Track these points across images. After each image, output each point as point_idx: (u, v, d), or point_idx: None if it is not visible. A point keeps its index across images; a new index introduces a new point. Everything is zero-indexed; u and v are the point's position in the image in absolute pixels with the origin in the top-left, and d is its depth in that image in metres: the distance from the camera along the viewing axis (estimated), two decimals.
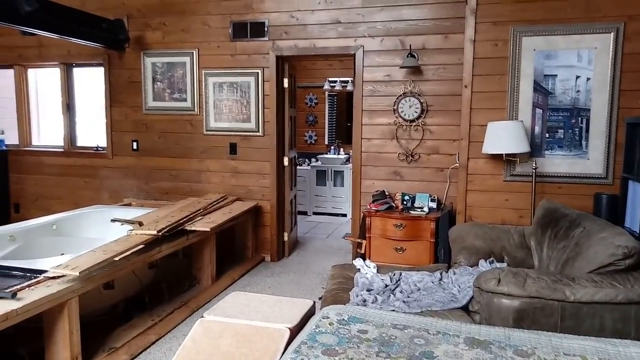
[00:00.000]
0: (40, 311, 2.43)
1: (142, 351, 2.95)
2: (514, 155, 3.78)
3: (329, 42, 4.50)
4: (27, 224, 4.02)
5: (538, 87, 3.83)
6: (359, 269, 3.04)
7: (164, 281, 3.80)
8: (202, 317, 2.05)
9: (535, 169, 3.71)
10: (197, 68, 4.86)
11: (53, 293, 2.48)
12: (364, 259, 3.43)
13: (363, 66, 4.41)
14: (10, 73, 5.61)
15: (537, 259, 2.89)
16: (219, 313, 2.07)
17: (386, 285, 2.78)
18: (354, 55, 4.46)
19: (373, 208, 4.09)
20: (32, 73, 5.67)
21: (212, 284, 4.08)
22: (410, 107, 4.30)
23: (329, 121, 7.60)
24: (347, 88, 6.94)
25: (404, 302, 2.52)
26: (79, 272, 2.59)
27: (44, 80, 5.67)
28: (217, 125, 4.89)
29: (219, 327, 1.96)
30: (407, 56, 4.20)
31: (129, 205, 4.88)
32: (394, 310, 2.27)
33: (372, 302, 2.51)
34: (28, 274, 2.66)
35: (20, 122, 5.67)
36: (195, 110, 4.92)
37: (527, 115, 3.86)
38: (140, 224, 3.55)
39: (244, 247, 4.86)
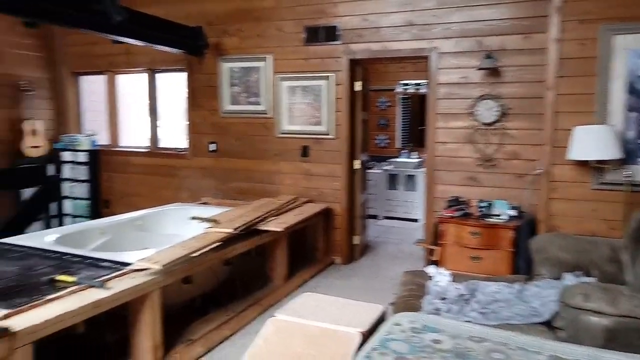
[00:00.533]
0: (126, 301, 2.59)
1: (217, 345, 3.06)
2: (603, 162, 3.52)
3: (402, 44, 4.44)
4: (115, 219, 4.31)
5: (633, 89, 3.54)
6: (432, 277, 2.96)
7: (238, 278, 3.92)
8: (274, 316, 2.09)
9: (628, 177, 3.43)
10: (271, 72, 4.98)
11: (138, 284, 2.64)
12: (437, 266, 3.34)
13: (437, 68, 4.31)
14: (102, 79, 6.06)
15: (631, 275, 2.66)
16: (290, 313, 2.09)
17: (461, 295, 2.68)
18: (428, 57, 4.37)
19: (447, 214, 3.97)
20: (120, 79, 6.08)
21: (284, 284, 4.16)
22: (488, 110, 4.13)
23: (401, 124, 7.50)
24: (421, 91, 6.81)
25: (480, 313, 2.42)
26: (162, 266, 2.73)
27: (131, 85, 6.06)
28: (290, 128, 4.98)
29: (290, 326, 1.99)
30: (485, 57, 4.04)
31: (206, 204, 5.09)
32: (469, 321, 2.19)
33: (446, 312, 2.43)
34: (116, 266, 2.85)
35: (110, 124, 6.11)
36: (269, 113, 5.04)
37: (619, 118, 3.58)
38: (217, 222, 3.69)
39: (315, 248, 4.90)
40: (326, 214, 4.87)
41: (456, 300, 2.60)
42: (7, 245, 3.25)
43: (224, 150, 5.31)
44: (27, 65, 5.84)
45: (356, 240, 5.01)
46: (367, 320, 2.01)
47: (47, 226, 4.73)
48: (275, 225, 3.88)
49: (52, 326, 2.17)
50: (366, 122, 5.36)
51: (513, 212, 3.90)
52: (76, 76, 6.23)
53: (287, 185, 5.06)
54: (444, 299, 2.61)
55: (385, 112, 7.55)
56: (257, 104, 5.09)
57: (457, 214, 3.96)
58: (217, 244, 3.30)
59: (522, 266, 3.61)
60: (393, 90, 7.19)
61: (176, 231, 4.30)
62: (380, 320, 2.13)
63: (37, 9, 3.52)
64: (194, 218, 3.96)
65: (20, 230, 4.08)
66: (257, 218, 3.92)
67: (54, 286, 2.50)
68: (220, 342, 3.10)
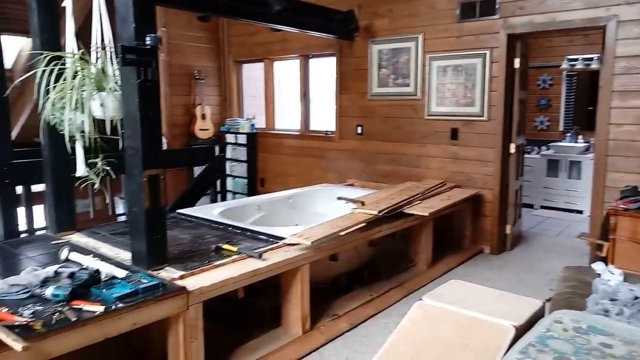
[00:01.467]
0: (279, 272, 2.78)
1: (361, 323, 3.13)
2: None
3: (573, 14, 3.95)
4: (270, 196, 4.64)
5: None
6: (600, 274, 2.63)
7: (381, 260, 3.95)
8: (421, 300, 2.05)
9: None
10: (421, 52, 4.85)
11: (289, 258, 2.81)
12: (606, 264, 2.96)
13: (615, 39, 3.76)
14: (260, 66, 6.52)
15: None
16: (437, 299, 2.04)
17: (636, 298, 2.34)
18: (603, 28, 3.83)
19: (621, 206, 3.48)
20: (276, 65, 6.47)
21: (428, 269, 4.08)
22: None
23: (565, 104, 6.76)
24: (591, 66, 6.04)
25: None
26: (311, 242, 2.87)
27: (286, 71, 6.42)
28: (438, 110, 4.81)
29: (438, 312, 1.94)
30: None
31: (352, 185, 5.20)
32: None
33: (616, 314, 2.14)
34: (271, 239, 3.07)
35: (266, 108, 6.56)
36: (418, 95, 4.92)
37: None
38: (363, 203, 3.75)
39: (461, 236, 4.71)
40: (475, 200, 4.63)
41: (630, 303, 2.27)
42: (182, 216, 3.71)
43: (370, 132, 5.34)
44: (199, 55, 6.53)
45: (508, 229, 4.68)
46: (523, 315, 1.86)
47: (213, 201, 5.30)
48: (421, 210, 3.80)
49: (218, 289, 2.42)
50: (524, 103, 4.94)
51: None
52: (238, 64, 6.79)
53: (434, 169, 4.91)
54: (613, 300, 2.31)
55: (547, 91, 6.86)
56: (406, 85, 5.00)
57: (632, 206, 3.44)
58: (363, 224, 3.34)
59: None
60: (557, 66, 6.49)
61: (323, 210, 4.48)
62: (538, 316, 1.96)
63: (210, 3, 3.91)
64: (340, 198, 4.08)
65: (192, 203, 4.61)
66: (403, 201, 3.89)
67: (219, 254, 2.78)
68: (364, 320, 3.17)
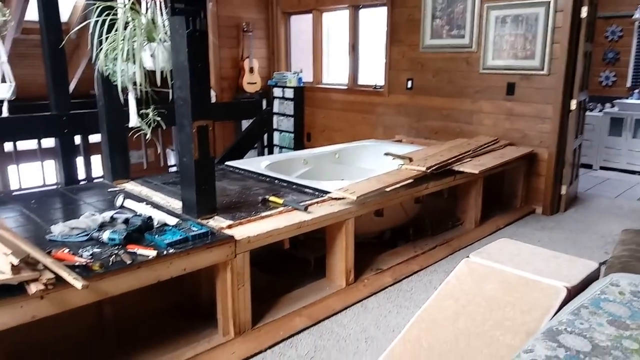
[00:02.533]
0: (324, 225, 2.80)
1: (405, 278, 3.13)
2: None
3: None
4: (316, 150, 4.64)
5: None
6: None
7: (427, 217, 3.90)
8: (468, 257, 2.01)
9: None
10: (478, 1, 4.57)
11: (335, 212, 2.81)
12: None
13: None
14: (309, 18, 6.37)
15: None
16: (485, 257, 1.99)
17: None
18: None
19: None
20: (325, 17, 6.29)
21: (475, 228, 4.00)
22: None
23: (635, 58, 6.25)
24: None
25: None
26: (357, 197, 2.85)
27: (335, 23, 6.24)
28: (494, 63, 4.57)
29: (485, 270, 1.89)
30: None
31: (400, 141, 5.10)
32: None
33: None
34: (316, 193, 3.08)
35: (314, 62, 6.45)
36: (473, 47, 4.68)
37: None
38: (410, 159, 3.67)
39: (512, 195, 4.56)
40: (529, 159, 4.44)
41: None
42: (230, 168, 3.77)
43: (420, 87, 5.17)
44: (247, 7, 6.45)
45: (563, 190, 4.48)
46: (576, 276, 1.79)
47: (260, 154, 5.36)
48: (471, 167, 3.69)
49: (264, 239, 2.47)
50: (589, 56, 4.60)
51: None
52: (287, 16, 6.67)
53: (486, 126, 4.72)
54: None
55: (616, 43, 6.36)
56: (460, 37, 4.76)
57: None
58: (410, 181, 3.29)
59: None
60: (629, 16, 5.97)
61: (370, 166, 4.43)
62: (592, 278, 1.89)
63: None
64: (387, 154, 4.01)
65: (240, 156, 4.68)
66: (452, 158, 3.78)
67: (266, 205, 2.83)
68: (408, 276, 3.17)
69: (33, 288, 1.70)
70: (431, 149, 4.19)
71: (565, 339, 1.35)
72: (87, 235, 2.20)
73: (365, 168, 4.39)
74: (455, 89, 4.88)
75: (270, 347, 2.37)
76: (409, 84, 5.26)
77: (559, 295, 1.68)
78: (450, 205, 4.20)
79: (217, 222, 2.51)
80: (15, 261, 1.71)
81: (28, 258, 1.80)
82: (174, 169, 5.90)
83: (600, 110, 6.26)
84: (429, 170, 3.46)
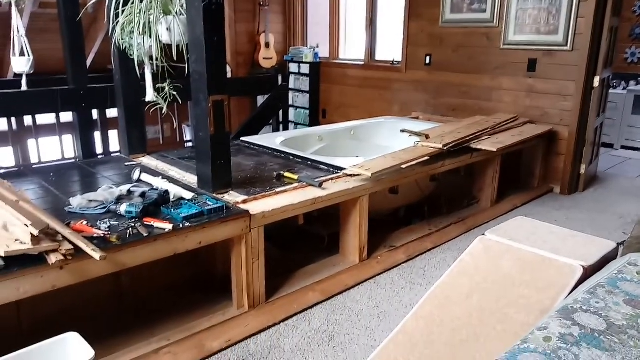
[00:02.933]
0: (339, 202, 2.80)
1: (418, 255, 3.13)
2: None
3: None
4: (332, 127, 4.61)
5: None
6: None
7: (443, 195, 3.88)
8: (483, 235, 2.00)
9: None
10: None
11: (349, 188, 2.81)
12: None
13: None
14: None
15: None
16: (501, 234, 1.97)
17: None
18: None
19: None
20: None
21: (492, 206, 3.96)
22: None
23: None
24: None
25: None
26: (372, 174, 2.84)
27: None
28: (516, 39, 4.45)
29: (501, 248, 1.88)
30: None
31: (417, 118, 5.04)
32: None
33: None
34: (331, 169, 3.07)
35: (331, 37, 6.36)
36: (494, 22, 4.56)
37: None
38: (427, 137, 3.63)
39: (530, 174, 4.50)
40: (549, 137, 4.36)
41: None
42: (246, 144, 3.78)
43: (439, 63, 5.07)
44: None
45: (582, 169, 4.40)
46: (593, 256, 1.77)
47: (275, 130, 5.34)
48: (489, 145, 3.64)
49: (279, 214, 2.48)
50: (615, 31, 4.46)
51: None
52: None
53: (506, 103, 4.63)
54: None
55: None
56: (482, 11, 4.63)
57: None
58: (426, 158, 3.25)
59: None
60: None
61: (386, 143, 4.40)
62: (609, 258, 1.86)
63: None
64: (403, 131, 3.97)
65: (255, 132, 4.68)
66: (470, 135, 3.72)
67: (281, 181, 2.83)
68: (422, 253, 3.17)
69: (53, 258, 1.73)
70: (448, 126, 4.13)
71: (580, 317, 1.33)
72: (104, 207, 2.23)
73: (381, 145, 4.36)
74: (474, 65, 4.78)
75: (283, 321, 2.41)
76: (427, 59, 5.16)
77: (575, 274, 1.67)
78: (466, 183, 4.16)
79: (232, 197, 2.52)
80: (35, 232, 1.74)
81: (48, 229, 1.83)
82: (189, 144, 5.93)
83: (624, 88, 6.09)
84: (445, 148, 3.42)
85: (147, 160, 3.25)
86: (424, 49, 5.18)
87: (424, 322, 1.65)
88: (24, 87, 3.65)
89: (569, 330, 1.28)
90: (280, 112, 5.45)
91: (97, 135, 4.07)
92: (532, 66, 4.37)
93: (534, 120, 4.43)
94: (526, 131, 4.13)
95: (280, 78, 6.19)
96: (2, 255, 1.67)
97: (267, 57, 6.38)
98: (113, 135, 4.32)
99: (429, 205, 3.75)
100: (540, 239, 1.92)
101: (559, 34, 4.16)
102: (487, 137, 3.86)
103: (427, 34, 5.12)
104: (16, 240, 1.76)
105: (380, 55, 5.87)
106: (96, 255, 1.76)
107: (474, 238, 2.04)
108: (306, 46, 6.53)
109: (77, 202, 2.26)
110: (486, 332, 1.56)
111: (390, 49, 5.71)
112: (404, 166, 3.07)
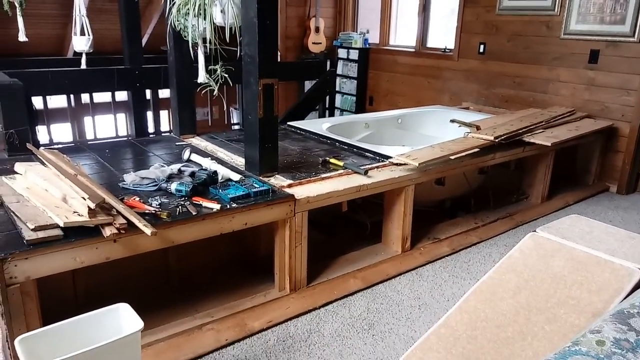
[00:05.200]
0: (384, 190, 2.77)
1: (463, 249, 3.07)
2: None
3: None
4: (378, 115, 4.55)
5: None
6: None
7: (491, 189, 3.77)
8: (534, 231, 1.93)
9: None
10: None
11: (395, 177, 2.77)
12: None
13: None
14: None
15: None
16: (553, 232, 1.90)
17: None
18: None
19: None
20: None
21: (542, 203, 3.83)
22: None
23: None
24: None
25: None
26: (418, 164, 2.79)
27: None
28: (577, 28, 4.23)
29: (553, 246, 1.81)
30: None
31: (467, 109, 4.91)
32: None
33: None
34: (377, 157, 3.04)
35: (382, 22, 6.25)
36: (555, 10, 4.34)
37: None
38: (478, 128, 3.53)
39: (585, 171, 4.30)
40: (608, 133, 4.14)
41: None
42: (292, 128, 3.79)
43: (493, 52, 4.90)
44: None
45: None
46: None
47: (321, 116, 5.34)
48: (543, 139, 3.50)
49: (323, 200, 2.48)
50: None
51: None
52: None
53: (563, 96, 4.43)
54: None
55: None
56: None
57: None
58: (476, 150, 3.17)
59: None
60: None
61: (433, 133, 4.31)
62: None
63: None
64: (453, 121, 3.87)
65: (301, 117, 4.69)
66: (523, 129, 3.59)
67: (326, 167, 2.83)
68: (466, 247, 3.10)
69: (107, 231, 1.81)
70: (500, 118, 4.00)
71: (637, 323, 1.27)
72: (156, 185, 2.30)
73: (428, 135, 4.28)
74: (531, 55, 4.59)
75: (323, 306, 2.42)
76: (481, 48, 4.99)
77: (632, 277, 1.59)
78: (515, 177, 4.03)
79: (278, 181, 2.55)
80: (93, 205, 1.82)
81: (103, 203, 1.91)
82: (236, 127, 6.03)
83: None
84: (497, 140, 3.31)
85: (197, 141, 3.33)
86: (478, 37, 5.01)
87: (468, 316, 1.62)
88: (83, 66, 3.80)
89: (624, 336, 1.23)
90: (326, 97, 5.43)
91: (149, 114, 4.20)
92: (594, 57, 4.15)
93: (592, 114, 4.22)
94: (583, 126, 3.94)
95: (328, 63, 6.17)
96: (62, 225, 1.76)
97: (316, 42, 6.36)
98: (163, 115, 4.45)
99: (475, 198, 3.66)
100: (595, 239, 1.84)
101: (625, 24, 3.92)
102: (541, 130, 3.71)
103: (482, 21, 4.95)
104: (74, 212, 1.84)
105: (432, 43, 5.73)
106: (147, 230, 1.82)
107: (522, 234, 1.98)
108: (356, 31, 6.45)
109: (130, 178, 2.34)
110: (533, 331, 1.52)
111: (443, 36, 5.55)
112: (452, 157, 3.00)
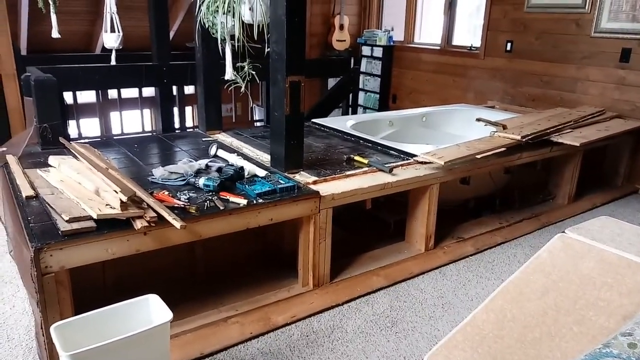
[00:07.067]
0: (408, 189, 2.77)
1: (487, 249, 3.05)
2: None
3: None
4: (403, 113, 4.53)
5: None
6: None
7: (517, 189, 3.72)
8: (563, 232, 1.90)
9: None
10: None
11: (420, 175, 2.76)
12: None
13: None
14: None
15: None
16: (583, 233, 1.87)
17: None
18: None
19: None
20: None
21: (568, 204, 3.76)
22: None
23: None
24: None
25: None
26: (444, 162, 2.78)
27: None
28: (609, 26, 4.14)
29: (582, 247, 1.78)
30: None
31: (493, 107, 4.85)
32: None
33: None
34: (401, 155, 3.03)
35: (407, 19, 6.21)
36: (586, 7, 4.25)
37: None
38: (504, 127, 3.49)
39: (614, 172, 4.21)
40: (638, 134, 4.05)
41: None
42: (316, 125, 3.81)
43: (520, 50, 4.82)
44: None
45: None
46: None
47: (344, 114, 5.34)
48: (571, 139, 3.43)
49: (348, 197, 2.49)
50: None
51: None
52: None
53: (592, 96, 4.34)
54: None
55: None
56: None
57: None
58: (502, 149, 3.13)
59: None
60: None
61: (458, 132, 4.28)
62: None
63: None
64: (479, 120, 3.83)
65: (325, 114, 4.71)
66: (550, 128, 3.53)
67: (350, 164, 2.84)
68: (491, 247, 3.07)
69: (138, 224, 1.85)
70: (527, 117, 3.94)
71: None
72: (184, 180, 2.34)
73: (453, 134, 4.25)
74: (559, 53, 4.50)
75: (346, 302, 2.44)
76: (508, 46, 4.92)
77: None
78: (542, 177, 3.97)
79: (303, 177, 2.57)
80: (124, 198, 1.87)
81: (134, 196, 1.96)
82: (258, 123, 6.07)
83: None
84: (524, 140, 3.27)
85: (222, 137, 3.37)
86: (505, 35, 4.94)
87: (495, 315, 1.61)
88: (112, 62, 3.87)
89: None
90: (350, 95, 5.43)
91: (175, 110, 4.26)
92: (626, 56, 4.06)
93: (623, 115, 4.13)
94: (613, 126, 3.86)
95: (352, 61, 6.16)
96: (95, 217, 1.81)
97: (341, 40, 6.35)
98: (189, 111, 4.51)
99: (500, 198, 3.62)
100: (626, 241, 1.80)
101: None
102: (570, 130, 3.65)
103: (509, 19, 4.88)
104: (107, 205, 1.89)
105: (457, 40, 5.67)
106: (177, 224, 1.86)
107: (548, 235, 1.96)
108: (380, 29, 6.42)
109: (159, 173, 2.39)
110: (562, 332, 1.50)
111: (467, 34, 5.49)
112: (478, 156, 2.97)
